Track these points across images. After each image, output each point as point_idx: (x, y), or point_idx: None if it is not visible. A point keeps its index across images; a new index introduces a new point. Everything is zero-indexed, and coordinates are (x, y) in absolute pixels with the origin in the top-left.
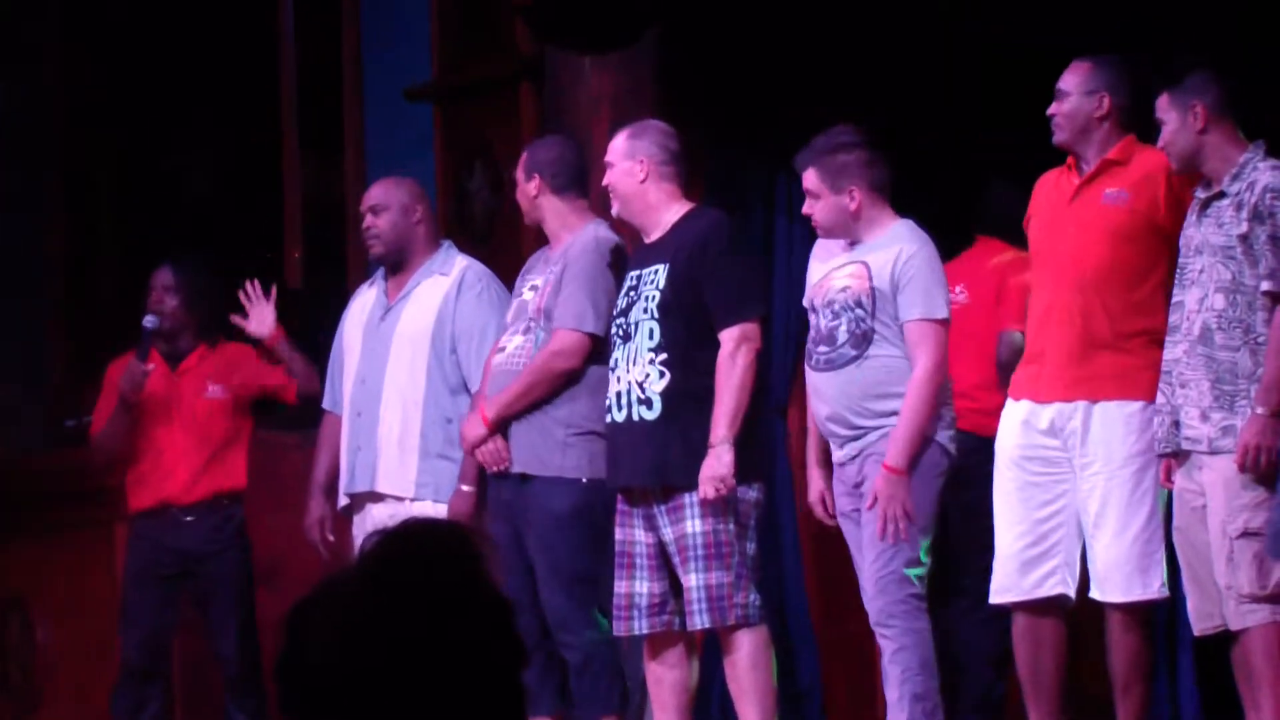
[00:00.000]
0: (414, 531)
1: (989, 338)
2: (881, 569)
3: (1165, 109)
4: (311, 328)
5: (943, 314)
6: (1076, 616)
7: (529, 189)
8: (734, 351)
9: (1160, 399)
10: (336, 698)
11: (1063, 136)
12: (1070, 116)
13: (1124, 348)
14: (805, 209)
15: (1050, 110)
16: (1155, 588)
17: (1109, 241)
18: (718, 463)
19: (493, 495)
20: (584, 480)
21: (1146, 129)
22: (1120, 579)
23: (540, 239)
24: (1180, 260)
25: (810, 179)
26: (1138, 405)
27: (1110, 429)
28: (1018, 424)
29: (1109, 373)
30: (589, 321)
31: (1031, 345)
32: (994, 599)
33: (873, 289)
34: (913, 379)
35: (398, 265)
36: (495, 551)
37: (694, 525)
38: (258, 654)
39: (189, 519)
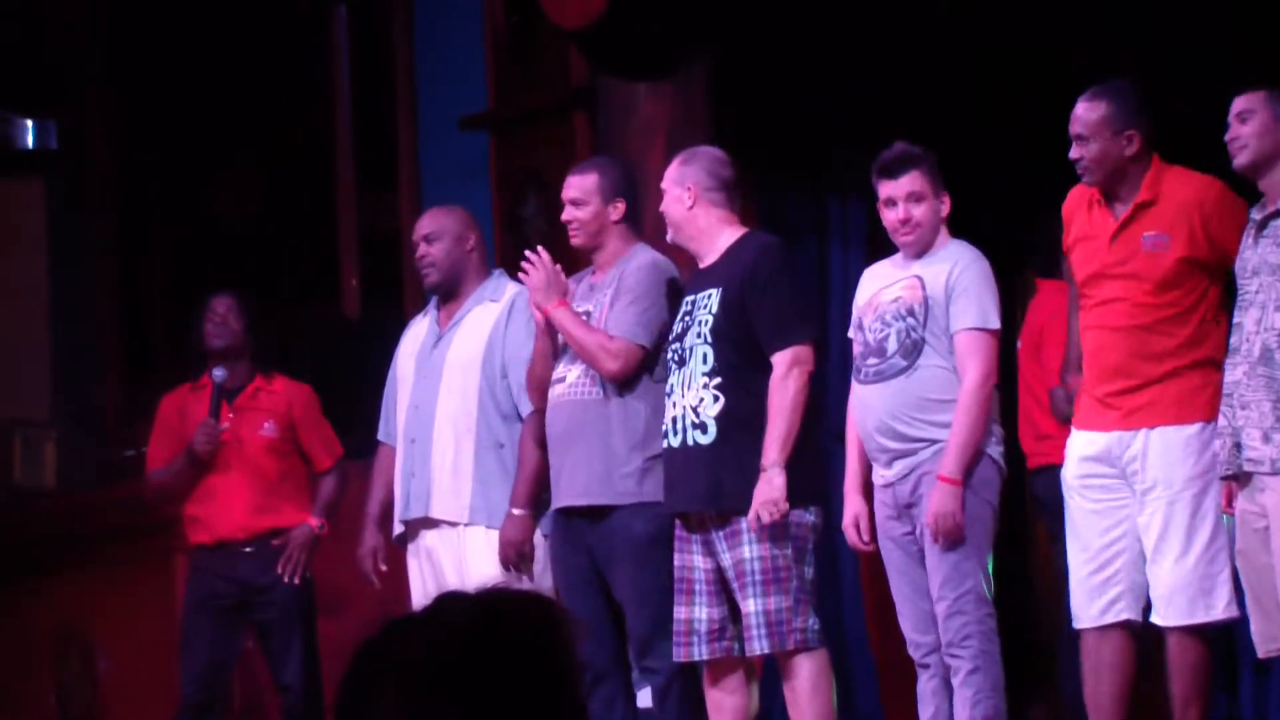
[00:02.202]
0: (502, 606)
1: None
2: (957, 588)
3: (1261, 105)
4: (368, 357)
5: (995, 325)
6: None
7: (609, 213)
8: (785, 375)
9: (1222, 421)
10: None
11: (1095, 178)
12: (1100, 160)
13: (1180, 375)
14: (901, 215)
15: (1074, 155)
16: (1220, 609)
17: (1155, 291)
18: (769, 486)
19: (567, 529)
20: (662, 503)
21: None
22: (1184, 602)
23: (586, 265)
24: (1238, 283)
25: (915, 181)
26: (1195, 427)
27: (1169, 453)
28: (1077, 454)
29: (1166, 399)
30: (641, 334)
31: (1086, 377)
32: (1074, 625)
33: (926, 298)
34: (964, 389)
35: (450, 293)
36: (580, 629)
37: (751, 550)
38: (319, 683)
39: (248, 550)
